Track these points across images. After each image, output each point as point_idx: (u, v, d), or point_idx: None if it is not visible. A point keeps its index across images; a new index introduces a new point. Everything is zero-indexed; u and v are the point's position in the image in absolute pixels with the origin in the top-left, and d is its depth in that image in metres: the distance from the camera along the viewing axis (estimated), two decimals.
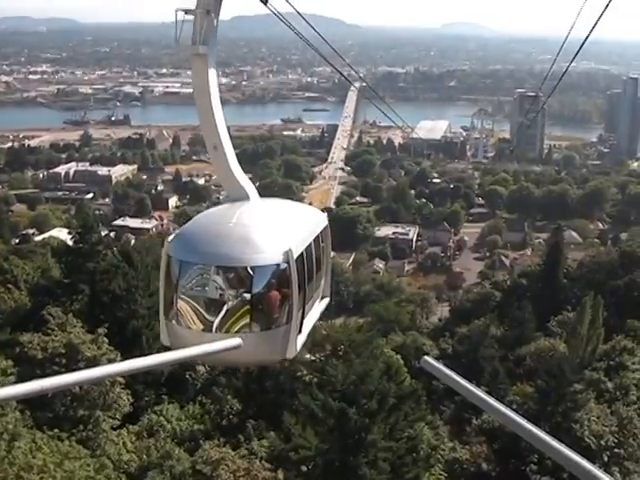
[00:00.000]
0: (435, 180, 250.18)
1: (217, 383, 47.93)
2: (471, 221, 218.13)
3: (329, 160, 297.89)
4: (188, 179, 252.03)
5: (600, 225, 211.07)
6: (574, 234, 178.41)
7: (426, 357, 10.24)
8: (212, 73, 12.01)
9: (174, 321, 11.29)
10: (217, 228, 11.27)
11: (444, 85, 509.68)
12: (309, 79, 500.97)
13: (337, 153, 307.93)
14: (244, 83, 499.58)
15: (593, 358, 71.52)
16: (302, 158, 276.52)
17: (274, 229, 11.59)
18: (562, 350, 72.38)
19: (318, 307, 12.70)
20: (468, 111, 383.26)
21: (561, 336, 78.33)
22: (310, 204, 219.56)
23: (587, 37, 14.79)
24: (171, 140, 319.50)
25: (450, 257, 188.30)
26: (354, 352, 51.05)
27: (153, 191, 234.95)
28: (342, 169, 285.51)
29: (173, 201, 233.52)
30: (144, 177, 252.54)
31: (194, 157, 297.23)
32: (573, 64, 19.53)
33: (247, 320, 10.98)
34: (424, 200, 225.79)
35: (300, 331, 11.61)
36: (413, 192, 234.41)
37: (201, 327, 11.06)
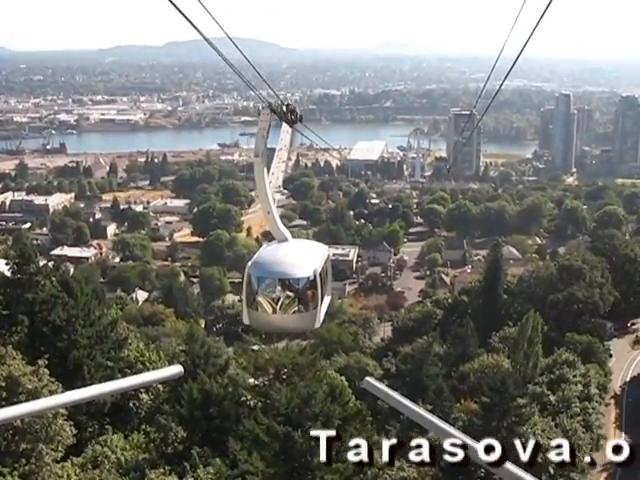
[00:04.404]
0: (373, 201, 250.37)
1: (161, 411, 47.47)
2: (411, 240, 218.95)
3: None
4: (126, 206, 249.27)
5: (538, 240, 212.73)
6: (513, 250, 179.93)
7: (368, 378, 10.30)
8: (265, 170, 17.82)
9: (254, 309, 17.49)
10: (275, 257, 17.77)
11: (380, 106, 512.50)
12: (245, 103, 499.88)
13: (275, 176, 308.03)
14: (180, 109, 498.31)
15: (535, 372, 72.37)
16: (240, 182, 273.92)
17: (306, 257, 18.08)
18: (505, 366, 73.07)
19: (327, 299, 18.65)
20: (404, 131, 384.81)
21: (503, 351, 79.03)
22: (249, 228, 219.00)
23: (519, 55, 14.94)
24: (108, 167, 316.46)
25: (391, 277, 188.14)
26: (297, 375, 51.05)
27: (91, 219, 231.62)
28: (280, 192, 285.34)
29: (111, 229, 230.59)
30: (81, 205, 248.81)
31: (131, 184, 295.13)
32: (506, 82, 19.86)
33: (295, 306, 17.31)
34: (363, 221, 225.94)
35: (320, 312, 17.81)
36: (352, 213, 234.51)
37: (271, 310, 17.28)
